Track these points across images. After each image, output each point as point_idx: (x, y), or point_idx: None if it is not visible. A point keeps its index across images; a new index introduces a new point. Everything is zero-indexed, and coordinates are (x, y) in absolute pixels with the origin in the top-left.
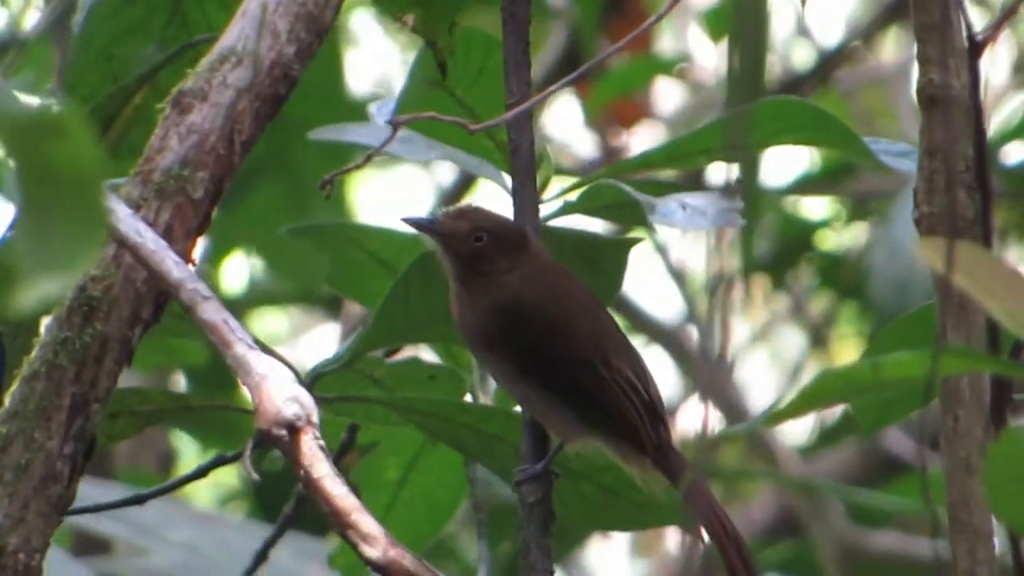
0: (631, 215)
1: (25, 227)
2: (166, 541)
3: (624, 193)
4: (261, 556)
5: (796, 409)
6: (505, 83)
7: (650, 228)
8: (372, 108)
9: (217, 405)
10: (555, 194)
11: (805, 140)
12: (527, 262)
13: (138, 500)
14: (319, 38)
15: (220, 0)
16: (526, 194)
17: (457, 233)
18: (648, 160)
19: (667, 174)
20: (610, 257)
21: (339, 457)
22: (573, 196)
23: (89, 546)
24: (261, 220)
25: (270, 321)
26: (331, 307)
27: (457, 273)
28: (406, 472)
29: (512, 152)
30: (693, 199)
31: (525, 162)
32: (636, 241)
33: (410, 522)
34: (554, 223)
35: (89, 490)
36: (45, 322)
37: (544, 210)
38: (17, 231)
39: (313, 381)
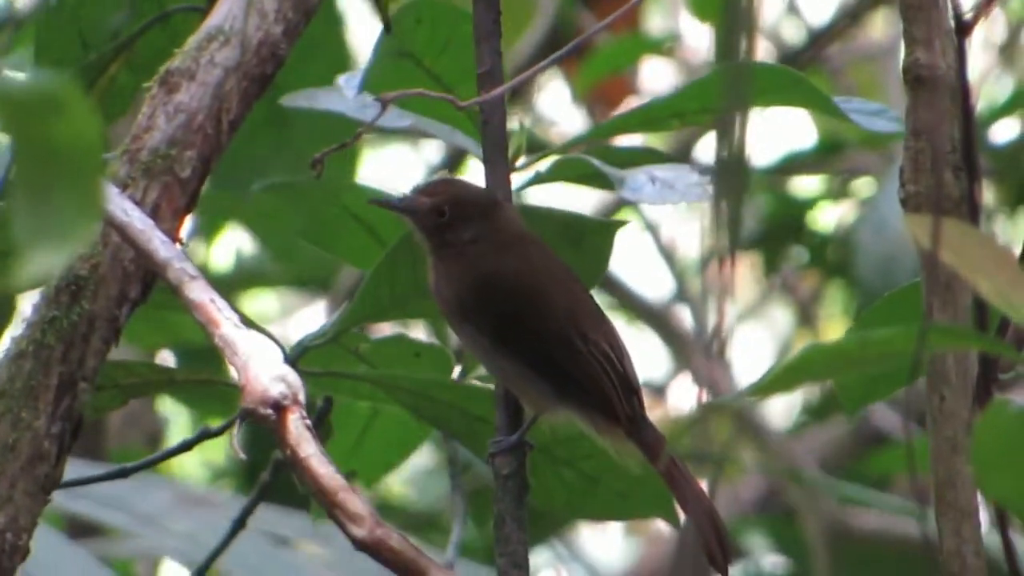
0: (609, 183)
1: (23, 202)
2: (166, 530)
3: (593, 166)
4: (239, 523)
5: (782, 383)
6: (476, 52)
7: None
8: (340, 79)
9: (201, 379)
10: (526, 162)
11: (777, 101)
12: (495, 231)
13: (123, 474)
14: (306, 18)
15: None
16: (497, 165)
17: (421, 209)
18: (622, 124)
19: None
20: (595, 239)
21: (316, 424)
22: (544, 165)
23: (82, 531)
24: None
25: (260, 301)
26: (321, 287)
27: (429, 247)
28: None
29: (483, 123)
30: (663, 172)
31: (496, 134)
32: (622, 224)
33: (381, 449)
34: (534, 198)
35: (78, 470)
36: (27, 299)
37: (517, 181)
38: (15, 206)
39: (299, 355)
